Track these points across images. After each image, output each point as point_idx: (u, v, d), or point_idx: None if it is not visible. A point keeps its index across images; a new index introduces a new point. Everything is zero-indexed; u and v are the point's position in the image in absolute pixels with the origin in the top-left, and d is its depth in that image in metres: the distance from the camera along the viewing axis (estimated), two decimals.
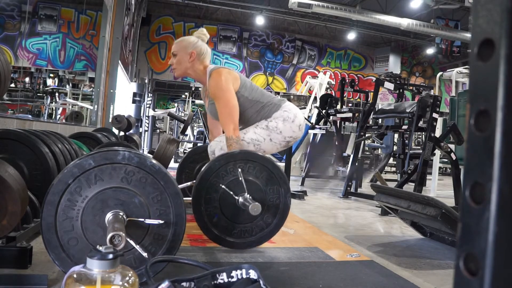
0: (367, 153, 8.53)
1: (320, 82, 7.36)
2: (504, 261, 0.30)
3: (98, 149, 1.34)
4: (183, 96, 15.02)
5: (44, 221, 1.16)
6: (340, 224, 2.84)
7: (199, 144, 8.21)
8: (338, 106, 5.65)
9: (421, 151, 3.51)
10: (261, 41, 13.69)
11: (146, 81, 11.07)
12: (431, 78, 14.84)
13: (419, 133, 7.83)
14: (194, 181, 1.85)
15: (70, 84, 8.02)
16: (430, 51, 14.53)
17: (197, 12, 13.02)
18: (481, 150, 0.32)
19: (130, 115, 3.96)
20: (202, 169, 1.78)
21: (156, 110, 13.04)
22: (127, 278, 0.80)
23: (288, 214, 1.85)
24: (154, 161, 1.25)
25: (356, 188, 4.40)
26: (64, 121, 6.05)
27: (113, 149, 1.23)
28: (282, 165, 6.01)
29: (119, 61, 6.35)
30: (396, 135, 5.67)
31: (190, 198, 1.78)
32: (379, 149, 7.13)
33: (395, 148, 5.64)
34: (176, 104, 13.89)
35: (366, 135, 4.62)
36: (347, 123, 6.61)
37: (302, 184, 5.32)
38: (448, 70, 7.72)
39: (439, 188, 5.49)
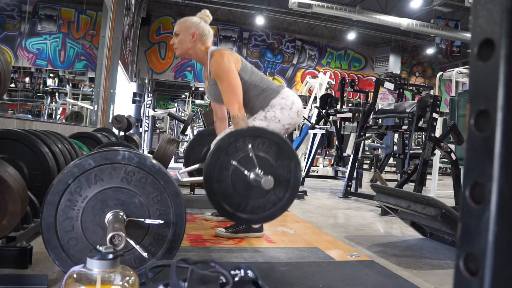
0: (367, 153, 8.53)
1: (320, 82, 7.36)
2: (504, 261, 0.30)
3: (98, 149, 1.34)
4: (183, 96, 15.01)
5: (44, 221, 1.16)
6: (340, 224, 2.84)
7: None
8: (338, 106, 5.65)
9: (421, 151, 3.51)
10: (261, 41, 13.69)
11: (146, 81, 11.06)
12: (431, 78, 14.83)
13: (419, 133, 7.83)
14: (202, 163, 1.85)
15: (70, 84, 8.02)
16: (430, 51, 14.53)
17: (197, 12, 13.01)
18: (481, 150, 0.32)
19: (130, 115, 3.96)
20: (212, 148, 1.77)
21: (156, 110, 13.03)
22: (127, 278, 0.80)
23: (299, 188, 1.85)
24: (154, 161, 1.25)
25: (356, 188, 4.40)
26: (64, 121, 6.05)
27: (113, 149, 1.23)
28: None
29: (119, 61, 6.35)
30: (396, 135, 5.66)
31: (200, 178, 1.77)
32: (379, 149, 7.13)
33: (395, 148, 5.64)
34: (176, 104, 13.88)
35: (366, 135, 4.62)
36: (347, 123, 6.61)
37: (302, 184, 5.32)
38: (448, 70, 7.72)
39: (439, 188, 5.49)
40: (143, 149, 9.78)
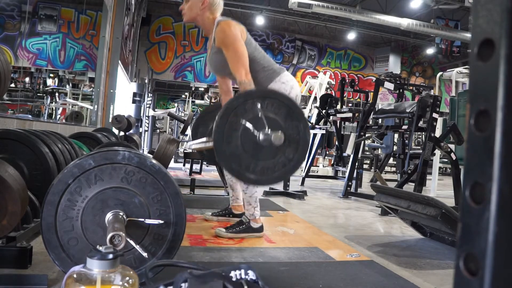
0: (367, 153, 8.53)
1: (320, 82, 7.36)
2: (504, 261, 0.30)
3: (98, 149, 1.34)
4: (183, 96, 15.01)
5: (44, 221, 1.16)
6: (340, 224, 2.84)
7: None
8: (338, 106, 5.65)
9: (421, 151, 3.51)
10: (261, 41, 13.68)
11: (146, 81, 11.06)
12: (431, 78, 14.83)
13: (419, 133, 7.83)
14: (210, 137, 1.86)
15: (70, 84, 8.02)
16: (430, 51, 14.53)
17: None
18: (481, 150, 0.32)
19: (130, 115, 3.96)
20: (221, 109, 1.77)
21: (156, 110, 13.03)
22: (127, 278, 0.80)
23: (308, 149, 1.85)
24: (154, 161, 1.25)
25: (356, 188, 4.40)
26: (64, 121, 6.05)
27: (113, 149, 1.23)
28: None
29: (119, 61, 6.35)
30: (396, 135, 5.67)
31: (208, 141, 1.75)
32: (379, 149, 7.12)
33: (395, 148, 5.64)
34: (176, 104, 13.88)
35: (366, 135, 4.62)
36: (347, 123, 6.61)
37: (302, 184, 5.32)
38: (448, 70, 7.72)
39: (439, 188, 5.49)
40: (143, 149, 9.78)
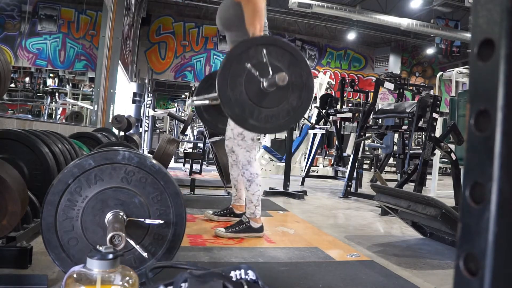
0: (367, 153, 8.53)
1: (320, 82, 7.35)
2: (504, 261, 0.30)
3: (98, 149, 1.34)
4: (183, 96, 15.01)
5: (44, 221, 1.16)
6: (340, 224, 2.84)
7: (199, 144, 8.25)
8: (338, 106, 5.65)
9: (421, 151, 3.51)
10: None
11: (146, 81, 11.06)
12: (431, 78, 14.83)
13: (419, 133, 7.83)
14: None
15: (70, 84, 8.01)
16: (430, 51, 14.53)
17: (197, 12, 13.02)
18: (481, 150, 0.32)
19: (130, 115, 3.96)
20: (225, 55, 1.76)
21: (156, 110, 13.04)
22: (127, 278, 0.80)
23: (312, 97, 1.85)
24: (154, 161, 1.25)
25: (356, 188, 4.40)
26: (64, 121, 6.05)
27: (113, 149, 1.23)
28: (282, 165, 6.03)
29: (119, 61, 6.35)
30: (396, 135, 5.66)
31: (215, 95, 1.74)
32: (379, 149, 7.12)
33: (395, 148, 5.64)
34: (176, 104, 13.88)
35: (366, 135, 4.62)
36: (347, 123, 6.61)
37: (302, 184, 5.32)
38: (448, 70, 7.72)
39: (439, 188, 5.49)
40: (143, 149, 9.78)
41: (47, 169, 1.81)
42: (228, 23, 2.24)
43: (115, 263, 0.80)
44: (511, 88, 0.31)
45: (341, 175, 5.89)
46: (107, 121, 5.58)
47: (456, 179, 3.37)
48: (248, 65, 1.64)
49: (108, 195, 1.19)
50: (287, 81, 1.62)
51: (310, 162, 5.68)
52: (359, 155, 4.59)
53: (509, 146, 0.31)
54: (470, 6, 0.36)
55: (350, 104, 10.58)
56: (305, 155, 6.50)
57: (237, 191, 2.54)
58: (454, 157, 3.37)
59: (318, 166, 7.45)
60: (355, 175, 4.33)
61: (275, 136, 7.79)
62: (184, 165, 6.70)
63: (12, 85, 6.45)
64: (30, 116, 5.83)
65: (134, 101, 8.67)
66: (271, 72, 1.64)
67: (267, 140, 7.36)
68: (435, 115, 3.40)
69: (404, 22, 11.11)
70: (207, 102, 2.28)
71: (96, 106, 5.55)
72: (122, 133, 3.69)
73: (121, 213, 1.18)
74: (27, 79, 7.52)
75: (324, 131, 5.62)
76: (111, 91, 5.93)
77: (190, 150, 7.81)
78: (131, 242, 1.14)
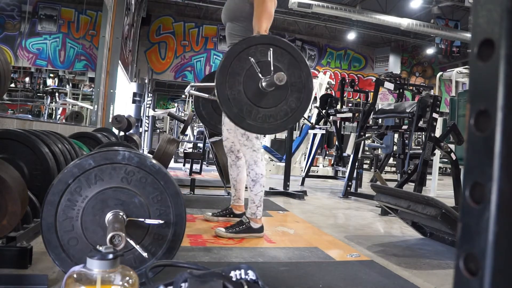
0: (367, 153, 8.52)
1: (320, 82, 7.36)
2: (504, 261, 0.30)
3: (98, 149, 1.34)
4: (183, 96, 15.00)
5: (44, 221, 1.16)
6: (340, 224, 2.84)
7: (199, 144, 8.25)
8: (338, 106, 5.65)
9: (421, 151, 3.51)
10: None
11: (146, 81, 11.06)
12: (431, 78, 14.83)
13: (419, 133, 7.83)
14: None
15: (70, 84, 8.01)
16: (430, 51, 14.53)
17: (197, 12, 13.02)
18: (481, 150, 0.32)
19: (130, 115, 3.96)
20: (225, 53, 1.75)
21: (156, 110, 13.04)
22: (127, 278, 0.80)
23: (310, 99, 1.84)
24: (154, 161, 1.25)
25: (356, 188, 4.40)
26: (64, 121, 6.05)
27: (113, 149, 1.23)
28: (282, 165, 6.03)
29: (119, 61, 6.35)
30: (396, 135, 5.66)
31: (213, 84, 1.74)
32: (379, 149, 7.12)
33: (395, 148, 5.64)
34: (176, 104, 13.88)
35: (366, 135, 4.62)
36: (347, 123, 6.60)
37: (302, 184, 5.32)
38: (448, 70, 7.72)
39: (439, 188, 5.49)
40: (143, 149, 9.78)
41: (47, 169, 1.81)
42: (234, 15, 2.26)
43: (115, 263, 0.80)
44: (511, 88, 0.31)
45: (341, 175, 5.89)
46: (107, 121, 5.58)
47: (456, 179, 3.37)
48: (252, 60, 1.63)
49: (108, 195, 1.19)
50: (285, 81, 1.61)
51: (310, 162, 5.68)
52: (359, 155, 4.59)
53: (509, 146, 0.31)
54: (470, 6, 0.36)
55: (350, 104, 10.57)
56: (305, 155, 6.50)
57: (236, 191, 2.54)
58: (454, 157, 3.37)
59: (318, 166, 7.46)
60: (355, 175, 4.33)
61: (275, 136, 7.79)
62: (184, 165, 6.70)
63: (12, 85, 6.45)
64: (30, 116, 5.82)
65: (134, 101, 8.67)
66: (272, 72, 1.64)
67: (267, 140, 7.36)
68: (435, 115, 3.40)
69: (404, 22, 11.10)
70: (206, 95, 2.28)
71: (96, 106, 5.55)
72: (122, 133, 3.69)
73: (121, 213, 1.18)
74: (27, 79, 7.51)
75: (324, 131, 5.62)
76: (111, 91, 5.93)
77: (190, 150, 7.81)
78: (131, 242, 1.14)
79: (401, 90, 5.72)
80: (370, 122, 4.78)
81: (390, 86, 4.68)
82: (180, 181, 4.38)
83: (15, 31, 7.15)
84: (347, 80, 6.44)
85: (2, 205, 1.18)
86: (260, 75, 1.64)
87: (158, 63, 12.77)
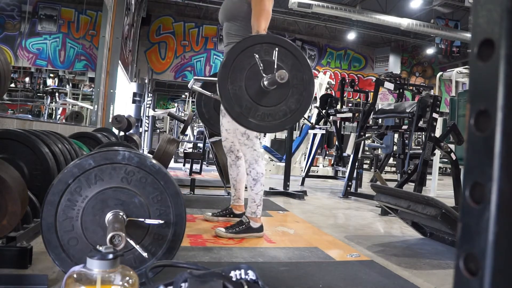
0: (367, 153, 8.52)
1: (320, 82, 7.35)
2: (504, 261, 0.30)
3: (98, 149, 1.34)
4: (183, 96, 15.02)
5: (44, 221, 1.16)
6: (340, 224, 2.84)
7: (199, 144, 8.24)
8: (338, 106, 5.65)
9: (421, 151, 3.51)
10: None
11: (146, 81, 11.06)
12: (431, 78, 14.83)
13: (419, 133, 7.83)
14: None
15: (70, 84, 8.01)
16: (430, 51, 14.53)
17: (197, 12, 13.02)
18: (481, 150, 0.32)
19: (130, 115, 3.96)
20: (229, 49, 1.75)
21: (156, 110, 13.04)
22: (127, 278, 0.80)
23: (310, 102, 1.84)
24: (154, 161, 1.25)
25: (356, 188, 4.40)
26: (64, 121, 6.05)
27: (113, 149, 1.23)
28: (282, 165, 6.03)
29: (119, 61, 6.35)
30: (396, 135, 5.66)
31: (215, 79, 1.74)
32: (379, 149, 7.12)
33: (395, 148, 5.64)
34: (176, 104, 13.88)
35: (366, 135, 4.62)
36: (347, 123, 6.60)
37: (302, 184, 5.32)
38: (448, 70, 7.72)
39: (439, 188, 5.49)
40: (143, 149, 9.78)
41: (47, 169, 1.81)
42: (231, 14, 2.26)
43: (115, 263, 0.80)
44: (511, 88, 0.31)
45: (341, 175, 5.89)
46: (107, 121, 5.58)
47: (456, 179, 3.37)
48: (257, 56, 1.64)
49: (108, 195, 1.19)
50: (287, 79, 1.61)
51: (310, 162, 5.68)
52: (359, 155, 4.59)
53: (509, 146, 0.31)
54: (470, 6, 0.36)
55: (350, 104, 10.57)
56: (305, 155, 6.50)
57: (236, 191, 2.54)
58: (454, 157, 3.37)
59: (318, 166, 7.45)
60: (355, 175, 4.33)
61: (275, 136, 7.79)
62: (184, 165, 6.70)
63: (12, 85, 6.45)
64: (30, 116, 5.82)
65: (134, 101, 8.67)
66: (275, 72, 1.64)
67: (267, 140, 7.36)
68: (435, 115, 3.40)
69: (404, 22, 11.10)
70: (209, 94, 2.29)
71: (96, 106, 5.55)
72: (122, 133, 3.69)
73: (121, 213, 1.18)
74: (27, 79, 7.51)
75: (324, 131, 5.61)
76: (111, 91, 5.93)
77: (190, 150, 7.81)
78: (131, 242, 1.14)
79: (401, 90, 5.72)
80: (370, 122, 4.78)
81: (390, 86, 4.68)
82: (180, 181, 4.38)
83: (15, 31, 7.15)
84: (347, 80, 6.44)
85: (2, 205, 1.18)
86: (262, 72, 1.64)
87: (158, 63, 12.77)
